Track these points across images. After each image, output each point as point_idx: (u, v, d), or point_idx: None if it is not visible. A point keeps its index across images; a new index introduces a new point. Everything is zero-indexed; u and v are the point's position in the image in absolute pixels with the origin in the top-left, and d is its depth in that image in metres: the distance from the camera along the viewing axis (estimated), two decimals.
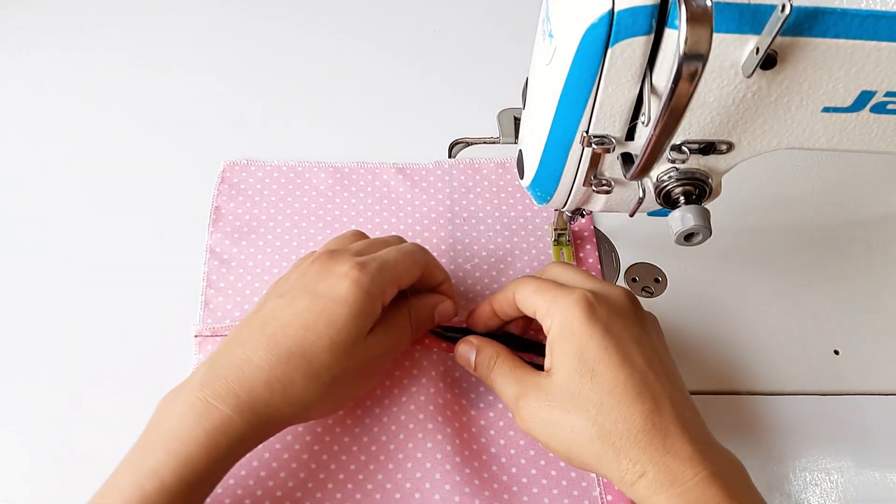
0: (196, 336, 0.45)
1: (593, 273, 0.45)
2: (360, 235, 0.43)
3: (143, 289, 0.48)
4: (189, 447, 0.32)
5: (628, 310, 0.37)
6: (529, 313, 0.38)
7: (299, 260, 0.40)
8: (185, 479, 0.31)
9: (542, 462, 0.41)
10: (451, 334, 0.44)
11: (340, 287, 0.36)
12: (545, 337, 0.37)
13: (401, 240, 0.43)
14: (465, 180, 0.53)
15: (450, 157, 0.56)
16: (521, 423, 0.36)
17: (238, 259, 0.49)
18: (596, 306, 0.35)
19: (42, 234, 0.51)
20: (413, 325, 0.41)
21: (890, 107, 0.32)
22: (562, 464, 0.41)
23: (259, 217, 0.51)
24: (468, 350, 0.41)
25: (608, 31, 0.30)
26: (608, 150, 0.35)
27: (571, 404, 0.34)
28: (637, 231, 0.51)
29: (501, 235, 0.50)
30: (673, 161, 0.35)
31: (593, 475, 0.40)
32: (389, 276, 0.38)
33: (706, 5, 0.26)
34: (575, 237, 0.50)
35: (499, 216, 0.51)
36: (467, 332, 0.43)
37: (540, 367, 0.37)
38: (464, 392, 0.44)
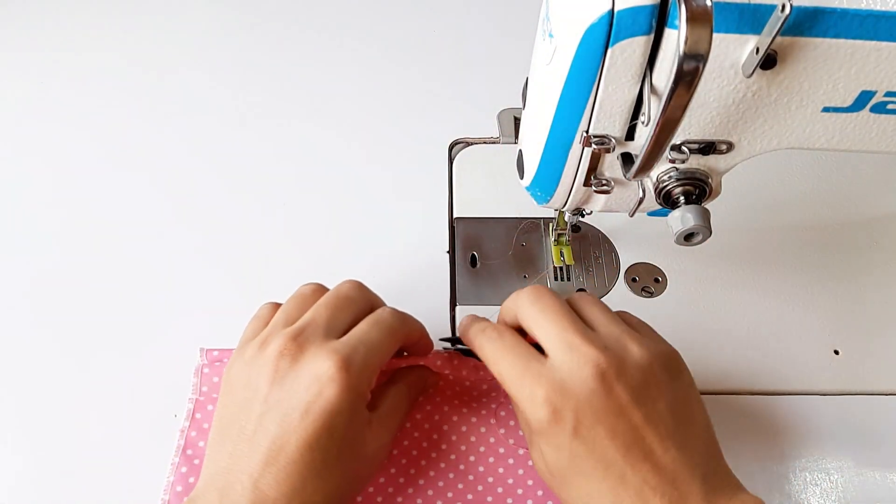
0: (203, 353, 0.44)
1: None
2: (320, 291, 0.39)
3: (145, 291, 0.48)
4: None
5: (601, 396, 0.33)
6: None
7: (237, 353, 0.37)
8: None
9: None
10: (461, 346, 0.42)
11: (329, 394, 0.33)
12: None
13: (363, 290, 0.39)
14: None
15: (450, 157, 0.56)
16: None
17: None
18: (560, 410, 0.33)
19: (39, 234, 0.51)
20: (410, 402, 0.40)
21: (890, 107, 0.32)
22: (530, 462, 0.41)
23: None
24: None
25: (608, 30, 0.30)
26: (608, 150, 0.35)
27: (562, 486, 0.34)
28: (637, 231, 0.51)
29: None
30: (673, 161, 0.35)
31: None
32: (375, 363, 0.36)
33: (706, 5, 0.26)
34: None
35: None
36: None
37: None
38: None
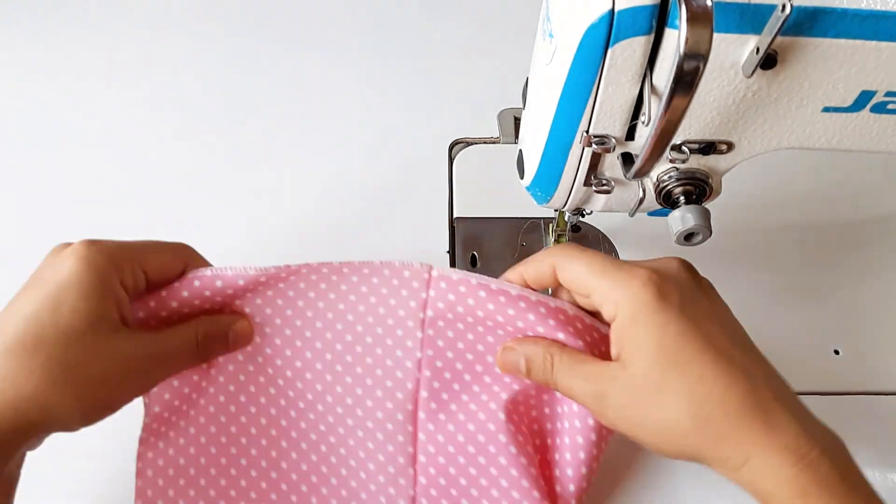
0: None
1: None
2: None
3: None
4: None
5: (693, 284, 0.33)
6: (580, 294, 0.35)
7: None
8: None
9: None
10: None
11: (64, 266, 0.31)
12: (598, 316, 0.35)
13: (187, 249, 0.37)
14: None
15: (450, 157, 0.56)
16: (605, 421, 0.33)
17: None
18: (666, 288, 0.32)
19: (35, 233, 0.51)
20: (200, 340, 0.36)
21: (890, 107, 0.32)
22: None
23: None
24: (515, 356, 0.35)
25: (608, 31, 0.30)
26: (608, 150, 0.35)
27: (660, 397, 0.31)
28: (637, 231, 0.51)
29: None
30: (673, 161, 0.35)
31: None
32: (128, 253, 0.33)
33: (706, 5, 0.26)
34: None
35: None
36: None
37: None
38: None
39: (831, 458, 0.30)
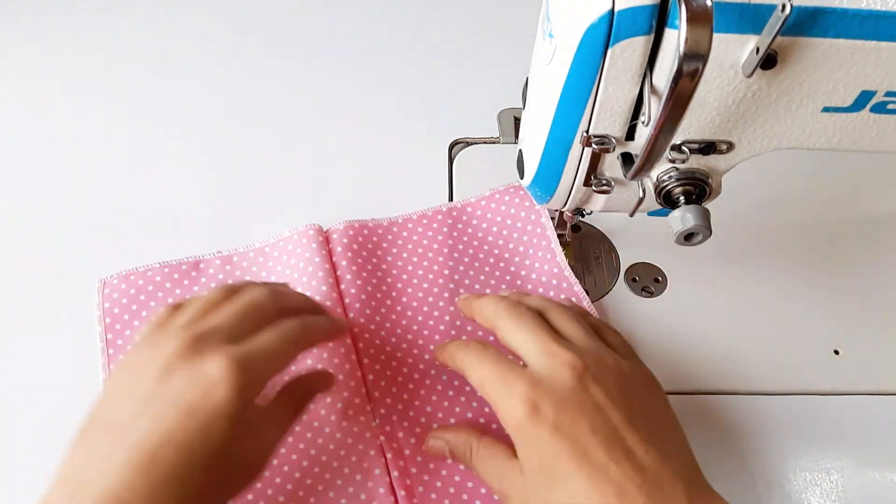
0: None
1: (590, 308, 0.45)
2: (230, 293, 0.37)
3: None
4: None
5: (575, 393, 0.33)
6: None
7: (153, 328, 0.35)
8: None
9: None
10: None
11: (217, 396, 0.31)
12: None
13: (274, 298, 0.38)
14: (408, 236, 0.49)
15: (450, 157, 0.56)
16: None
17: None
18: (542, 406, 0.33)
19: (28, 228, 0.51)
20: (296, 409, 0.37)
21: (890, 107, 0.32)
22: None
23: None
24: (440, 444, 0.39)
25: (608, 31, 0.30)
26: (608, 150, 0.35)
27: (549, 490, 0.33)
28: (637, 231, 0.51)
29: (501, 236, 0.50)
30: (673, 161, 0.35)
31: None
32: (271, 371, 0.34)
33: (706, 5, 0.26)
34: (520, 245, 0.50)
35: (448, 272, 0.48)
36: None
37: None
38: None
39: None
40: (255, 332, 0.35)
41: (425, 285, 0.47)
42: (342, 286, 0.45)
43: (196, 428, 0.31)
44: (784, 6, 0.27)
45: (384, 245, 0.49)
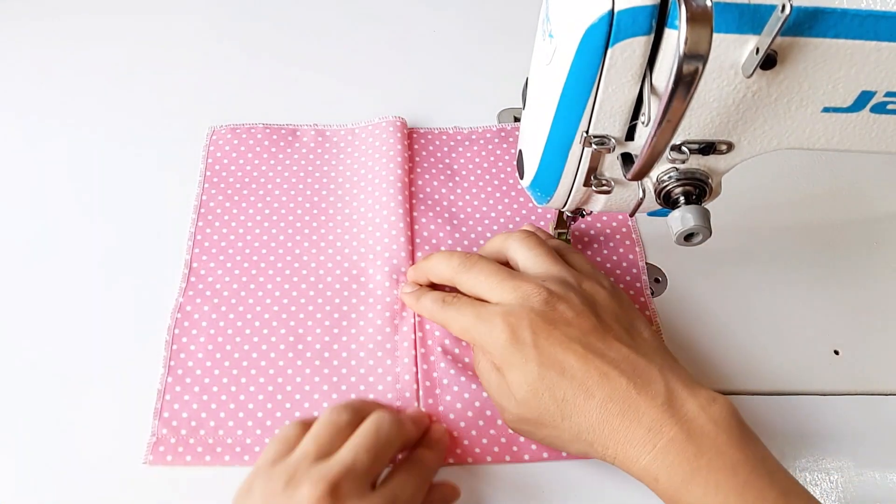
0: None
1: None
2: (357, 418, 0.36)
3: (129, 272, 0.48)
4: None
5: (544, 313, 0.36)
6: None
7: (281, 451, 0.35)
8: None
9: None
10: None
11: None
12: None
13: (402, 428, 0.37)
14: (461, 141, 0.56)
15: None
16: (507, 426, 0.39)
17: (222, 219, 0.50)
18: (516, 329, 0.36)
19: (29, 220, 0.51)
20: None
21: (890, 107, 0.32)
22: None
23: (245, 178, 0.52)
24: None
25: (608, 31, 0.30)
26: (608, 150, 0.35)
27: (538, 421, 0.36)
28: (637, 231, 0.51)
29: (501, 203, 0.52)
30: (673, 161, 0.35)
31: None
32: (363, 483, 0.33)
33: (706, 5, 0.26)
34: (607, 239, 0.50)
35: (497, 183, 0.53)
36: None
37: None
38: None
39: (687, 436, 0.33)
40: (386, 466, 0.36)
41: (482, 196, 0.52)
42: (414, 177, 0.53)
43: None
44: (784, 6, 0.27)
45: (453, 155, 0.55)
